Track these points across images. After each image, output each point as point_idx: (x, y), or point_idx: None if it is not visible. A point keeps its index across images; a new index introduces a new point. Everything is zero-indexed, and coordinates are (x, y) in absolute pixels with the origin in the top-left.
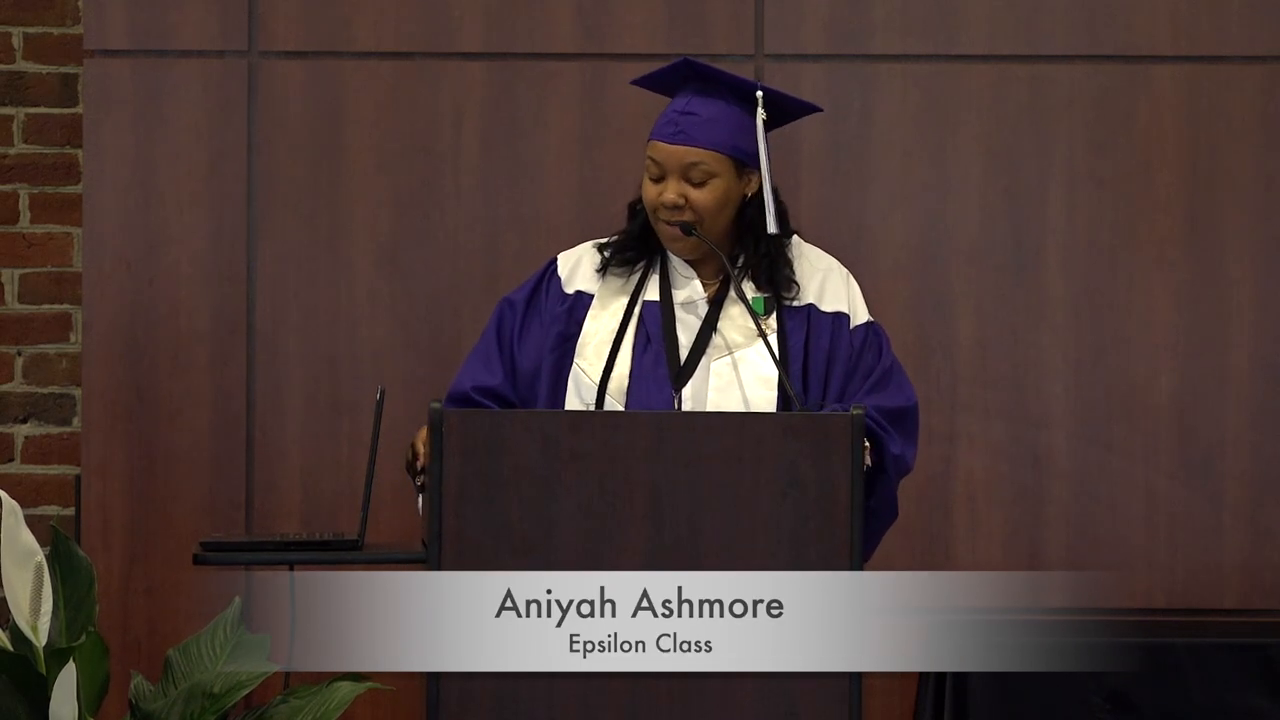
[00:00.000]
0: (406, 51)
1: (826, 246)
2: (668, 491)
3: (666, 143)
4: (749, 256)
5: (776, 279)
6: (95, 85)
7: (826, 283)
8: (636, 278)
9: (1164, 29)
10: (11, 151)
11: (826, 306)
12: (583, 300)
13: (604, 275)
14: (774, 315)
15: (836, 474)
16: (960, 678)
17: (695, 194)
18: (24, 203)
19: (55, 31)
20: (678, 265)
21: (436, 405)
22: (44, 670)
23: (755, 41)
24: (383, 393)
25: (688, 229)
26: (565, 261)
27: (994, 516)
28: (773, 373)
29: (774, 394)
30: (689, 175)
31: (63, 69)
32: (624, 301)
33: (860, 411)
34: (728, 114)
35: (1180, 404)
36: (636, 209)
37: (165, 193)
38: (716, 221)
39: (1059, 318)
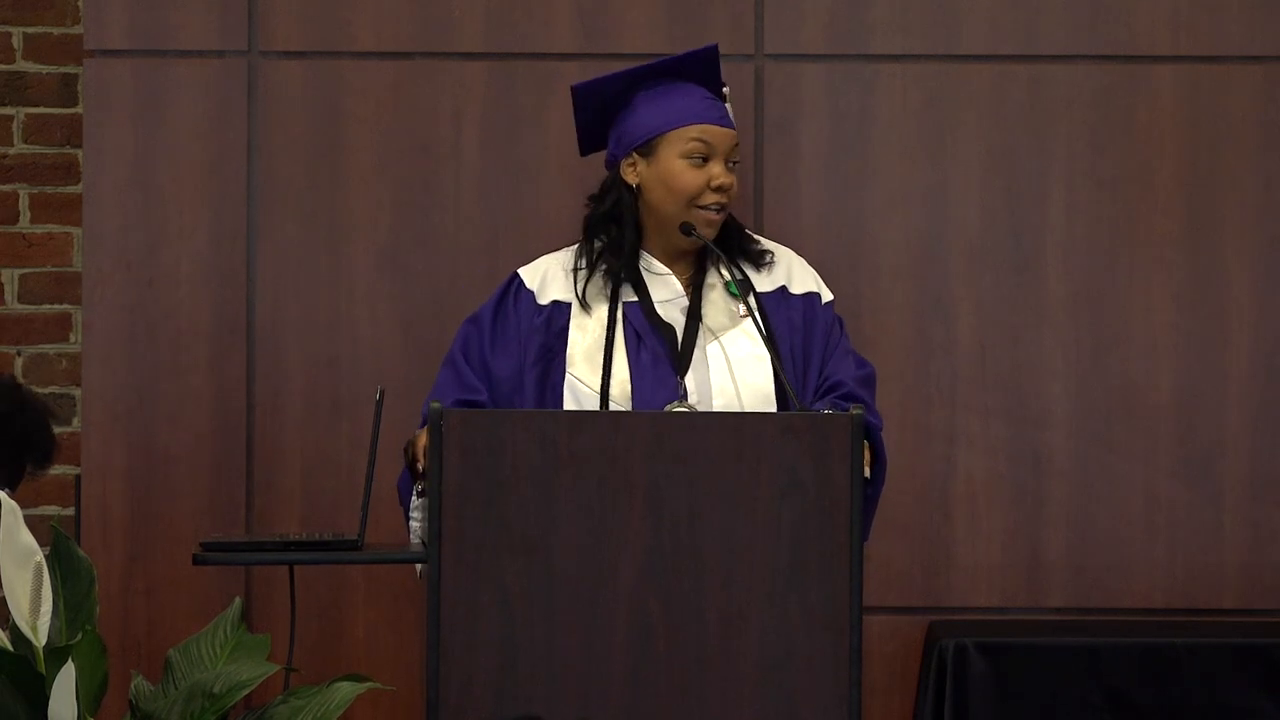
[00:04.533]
0: (406, 51)
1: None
2: (667, 491)
3: (718, 125)
4: (717, 242)
5: (749, 254)
6: (95, 85)
7: (792, 267)
8: (611, 283)
9: (1164, 29)
10: (11, 151)
11: (796, 289)
12: (560, 309)
13: (584, 285)
14: (750, 297)
15: (836, 474)
16: (960, 678)
17: (733, 176)
18: (24, 203)
19: (55, 31)
20: (650, 263)
21: (436, 405)
22: (43, 670)
23: (755, 41)
24: (382, 393)
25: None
26: (531, 275)
27: (994, 516)
28: (764, 351)
29: (769, 369)
30: (730, 157)
31: (63, 69)
32: (604, 308)
33: (860, 411)
34: None
35: (1180, 404)
36: (598, 225)
37: (165, 193)
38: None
39: (1059, 318)
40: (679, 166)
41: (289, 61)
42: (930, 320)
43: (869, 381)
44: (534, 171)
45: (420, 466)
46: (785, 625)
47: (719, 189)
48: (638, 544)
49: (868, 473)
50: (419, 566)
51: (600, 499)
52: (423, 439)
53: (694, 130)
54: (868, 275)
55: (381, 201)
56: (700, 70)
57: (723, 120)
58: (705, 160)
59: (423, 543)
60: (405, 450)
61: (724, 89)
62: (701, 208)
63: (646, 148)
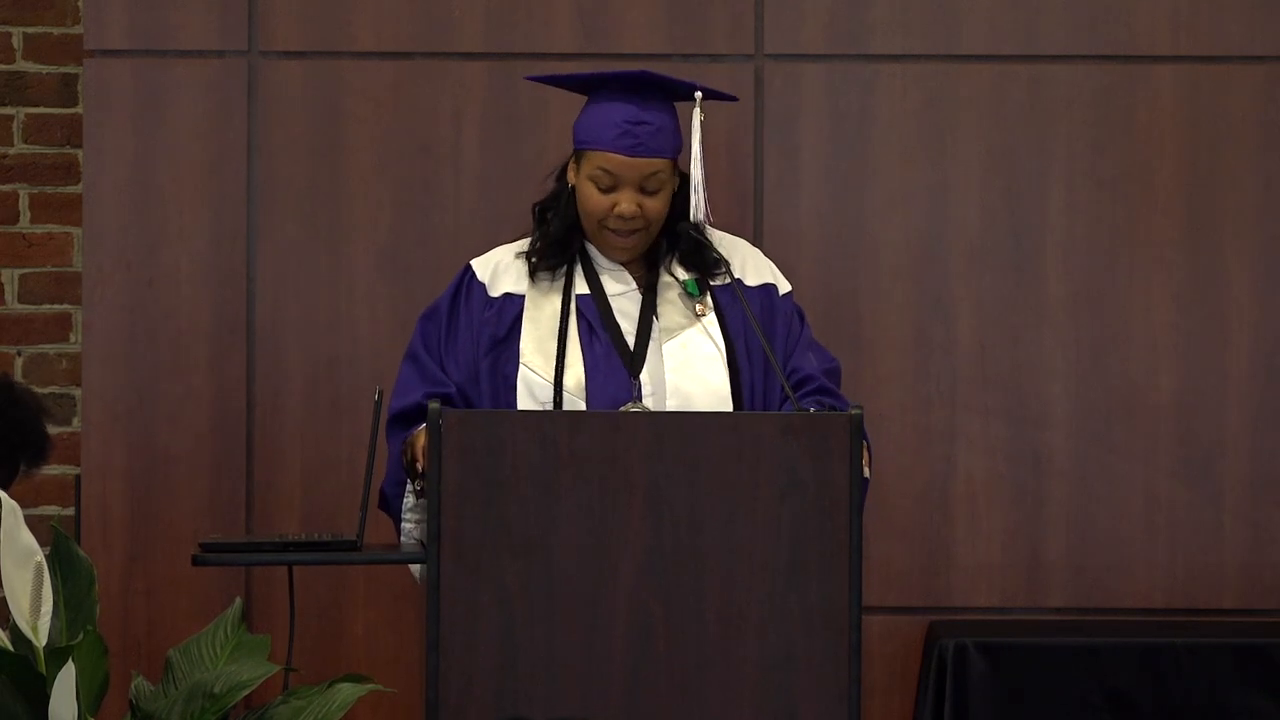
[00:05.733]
0: (406, 51)
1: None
2: (667, 491)
3: (626, 155)
4: (674, 241)
5: (704, 260)
6: (95, 85)
7: (746, 260)
8: (562, 274)
9: (1164, 29)
10: (11, 151)
11: (751, 281)
12: (512, 301)
13: (533, 278)
14: (708, 295)
15: (836, 474)
16: (960, 678)
17: (650, 203)
18: (24, 203)
19: (55, 31)
20: (602, 258)
21: (435, 405)
22: (44, 670)
23: (755, 41)
24: (381, 393)
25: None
26: (483, 267)
27: (994, 516)
28: (720, 350)
29: (725, 370)
30: (645, 185)
31: (63, 69)
32: (557, 300)
33: (859, 411)
34: (671, 119)
35: (1180, 404)
36: (546, 211)
37: (165, 193)
38: (660, 223)
39: (1059, 318)
40: (588, 188)
41: (289, 61)
42: (930, 320)
43: (836, 375)
44: (534, 171)
45: (420, 467)
46: (785, 625)
47: (621, 217)
48: (638, 544)
49: (868, 473)
50: (416, 569)
51: (600, 499)
52: (422, 439)
53: (599, 158)
54: (868, 275)
55: (381, 201)
56: (644, 88)
57: (634, 150)
58: (611, 189)
59: (420, 543)
60: (404, 450)
61: (696, 93)
62: (610, 230)
63: (579, 155)
